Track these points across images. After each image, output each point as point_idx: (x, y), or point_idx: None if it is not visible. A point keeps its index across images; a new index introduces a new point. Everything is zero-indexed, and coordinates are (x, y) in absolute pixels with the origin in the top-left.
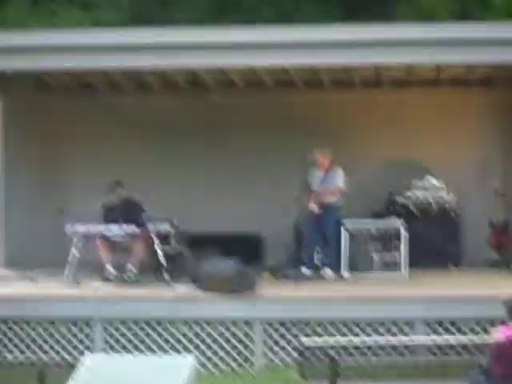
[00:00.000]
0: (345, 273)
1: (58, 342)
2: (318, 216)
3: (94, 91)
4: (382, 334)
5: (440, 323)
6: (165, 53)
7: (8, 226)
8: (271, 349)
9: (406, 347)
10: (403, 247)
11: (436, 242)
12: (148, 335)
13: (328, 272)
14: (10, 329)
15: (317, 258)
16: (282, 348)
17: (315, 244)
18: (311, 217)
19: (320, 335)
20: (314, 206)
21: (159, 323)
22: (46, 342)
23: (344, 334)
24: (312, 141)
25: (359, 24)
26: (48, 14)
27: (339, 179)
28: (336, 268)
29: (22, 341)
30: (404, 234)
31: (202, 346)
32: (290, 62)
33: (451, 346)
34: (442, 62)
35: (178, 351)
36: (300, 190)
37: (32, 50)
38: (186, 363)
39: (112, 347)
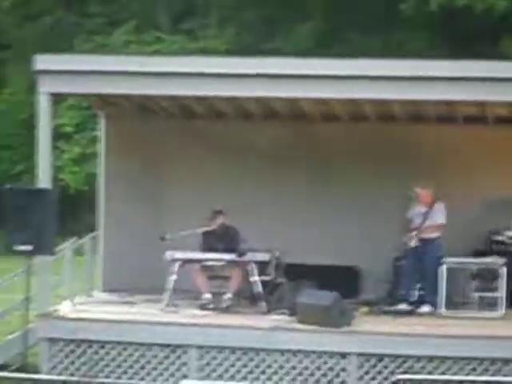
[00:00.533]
0: (443, 310)
1: (154, 368)
2: (418, 251)
3: (196, 118)
4: (480, 374)
5: None
6: (269, 82)
7: (107, 251)
8: None
9: None
10: (503, 287)
11: None
12: (244, 365)
13: (426, 309)
14: (108, 354)
15: (415, 295)
16: None
17: (414, 279)
18: (411, 252)
19: (417, 372)
20: (413, 241)
21: (256, 353)
22: (142, 368)
23: (442, 373)
24: (414, 176)
25: (466, 60)
26: (152, 41)
27: (442, 215)
28: (434, 305)
29: (118, 366)
30: (504, 273)
31: (299, 379)
32: (392, 96)
33: None
34: None
35: (275, 383)
36: (401, 226)
37: (134, 75)
38: None
39: (208, 376)
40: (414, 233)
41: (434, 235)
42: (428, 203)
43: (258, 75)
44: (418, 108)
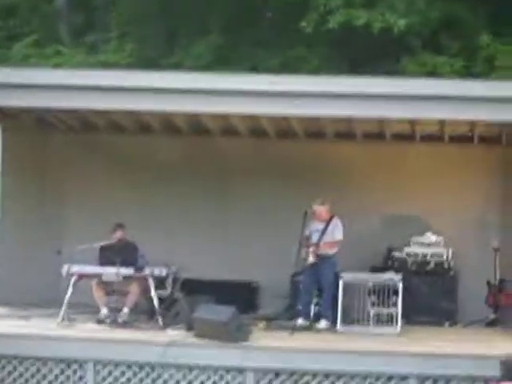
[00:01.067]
0: (340, 326)
1: (50, 383)
2: (316, 267)
3: (96, 132)
4: None
5: (435, 381)
6: (168, 96)
7: (2, 264)
8: None
9: None
10: (400, 303)
11: (433, 299)
12: (141, 380)
13: (323, 324)
14: (3, 368)
15: (313, 310)
16: None
17: (311, 295)
18: (309, 268)
19: None
20: (311, 257)
21: (152, 368)
22: (38, 383)
23: None
24: (311, 192)
25: (364, 77)
26: (53, 55)
27: (338, 231)
28: (332, 320)
29: (14, 381)
30: (401, 289)
31: None
32: (292, 112)
33: None
34: (445, 117)
35: None
36: (298, 242)
37: (33, 88)
38: None
39: None
40: (311, 249)
41: (331, 251)
42: (325, 220)
43: (157, 89)
44: (317, 124)
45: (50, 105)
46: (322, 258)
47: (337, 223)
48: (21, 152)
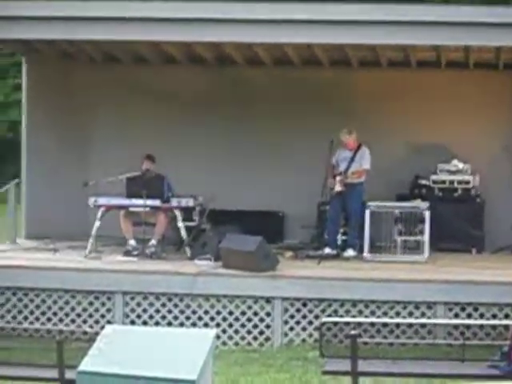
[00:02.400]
0: (367, 254)
1: (79, 315)
2: (343, 196)
3: (119, 64)
4: (404, 317)
5: (462, 308)
6: (190, 27)
7: (30, 198)
8: (291, 328)
9: (428, 331)
10: (427, 230)
11: (460, 226)
12: (169, 311)
13: (350, 253)
14: (32, 301)
15: (340, 239)
16: (303, 328)
17: (338, 224)
18: (336, 197)
19: (341, 316)
20: (338, 186)
21: (181, 299)
22: (67, 315)
23: (366, 316)
24: (338, 120)
25: (388, 4)
26: None
27: (367, 160)
28: (359, 249)
29: (43, 313)
30: (428, 217)
31: (223, 324)
32: (317, 40)
33: (473, 332)
34: (470, 43)
35: (200, 328)
36: (325, 171)
37: (53, 20)
38: (207, 337)
39: (133, 322)
40: (338, 177)
41: (358, 180)
42: (353, 148)
43: (179, 20)
44: (341, 52)
45: (71, 37)
46: (348, 187)
47: (364, 152)
48: (44, 85)
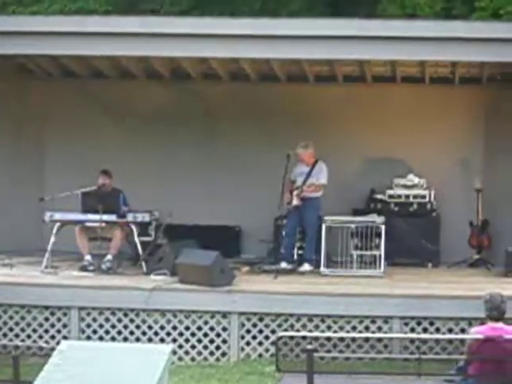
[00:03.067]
0: (324, 269)
1: (34, 330)
2: (299, 211)
3: (77, 78)
4: (360, 331)
5: (418, 323)
6: (147, 41)
7: None
8: (248, 342)
9: (384, 345)
10: (383, 245)
11: (416, 241)
12: (125, 326)
13: (307, 267)
14: None
15: (296, 253)
16: (260, 343)
17: (295, 239)
18: (292, 211)
19: (298, 330)
20: (295, 200)
21: (137, 314)
22: (22, 330)
23: (322, 331)
24: (296, 135)
25: (344, 19)
26: (32, 2)
27: (323, 175)
28: (315, 263)
29: None
30: (384, 231)
31: (180, 339)
32: (274, 55)
33: (429, 346)
34: (426, 59)
35: (156, 343)
36: (281, 185)
37: (11, 35)
38: (162, 352)
39: (89, 337)
40: (295, 192)
41: (315, 195)
42: (310, 163)
43: (136, 34)
44: (298, 67)
45: (28, 51)
46: (305, 201)
47: (321, 167)
48: (1, 100)
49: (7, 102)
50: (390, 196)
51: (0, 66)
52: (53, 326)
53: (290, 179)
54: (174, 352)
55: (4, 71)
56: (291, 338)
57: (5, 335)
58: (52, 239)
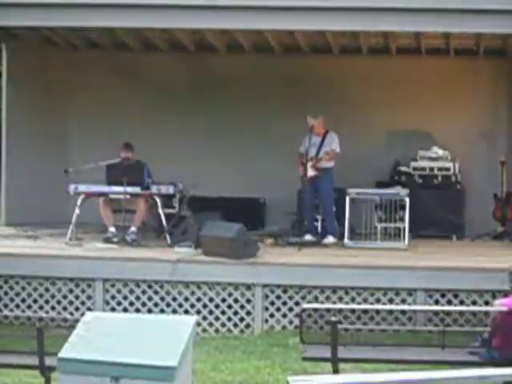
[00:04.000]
0: (348, 241)
1: (59, 302)
2: (315, 182)
3: (100, 50)
4: (384, 303)
5: (443, 295)
6: (170, 13)
7: (9, 184)
8: (272, 314)
9: (408, 318)
10: (407, 217)
11: (440, 213)
12: (150, 298)
13: (331, 239)
14: (12, 288)
15: (320, 226)
16: (284, 315)
17: (315, 210)
18: (309, 184)
19: (322, 302)
20: (311, 171)
21: (161, 286)
22: (47, 302)
23: (346, 303)
24: (318, 108)
25: None
26: None
27: (336, 144)
28: (339, 235)
29: (23, 301)
30: (408, 203)
31: (204, 311)
32: (296, 26)
33: (453, 318)
34: (450, 30)
35: (180, 315)
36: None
37: (34, 7)
38: (187, 323)
39: (113, 309)
40: (311, 162)
41: (329, 164)
42: (320, 133)
43: (160, 6)
44: (322, 39)
45: (51, 23)
46: (320, 172)
47: (332, 136)
48: (25, 72)
49: (33, 74)
50: (415, 168)
51: (25, 39)
52: (77, 297)
53: (301, 152)
54: (199, 323)
55: (29, 44)
56: (315, 310)
57: (29, 307)
58: (76, 211)
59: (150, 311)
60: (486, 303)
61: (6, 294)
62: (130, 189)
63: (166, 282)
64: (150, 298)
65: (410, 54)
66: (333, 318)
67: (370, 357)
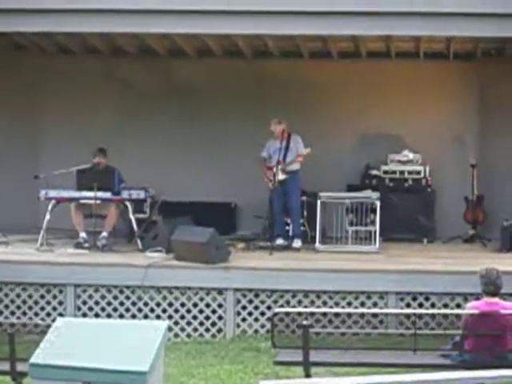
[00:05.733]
0: (319, 245)
1: (30, 308)
2: (284, 185)
3: (71, 55)
4: (355, 307)
5: (414, 298)
6: (140, 18)
7: None
8: (244, 319)
9: (380, 321)
10: (378, 220)
11: (411, 216)
12: (121, 303)
13: (299, 243)
14: None
15: (289, 229)
16: (255, 319)
17: (285, 214)
18: (277, 188)
19: (293, 306)
20: (281, 175)
21: (132, 291)
22: (18, 307)
23: (317, 306)
24: (289, 111)
25: None
26: None
27: (301, 146)
28: (310, 239)
29: None
30: (379, 207)
31: (176, 316)
32: (268, 31)
33: (424, 322)
34: (421, 34)
35: (152, 320)
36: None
37: (7, 13)
38: (158, 328)
39: (85, 314)
40: (280, 166)
41: (296, 167)
42: (283, 138)
43: (129, 11)
44: (292, 43)
45: (22, 29)
46: (289, 175)
47: (297, 139)
48: None
49: (3, 78)
50: (385, 172)
51: None
52: (49, 303)
53: (264, 157)
54: (170, 328)
55: (1, 48)
56: (287, 313)
57: (0, 313)
58: (47, 217)
59: (121, 316)
60: (458, 306)
61: None
62: (100, 194)
63: (138, 288)
64: (121, 304)
65: (380, 57)
66: (304, 322)
67: (341, 360)
